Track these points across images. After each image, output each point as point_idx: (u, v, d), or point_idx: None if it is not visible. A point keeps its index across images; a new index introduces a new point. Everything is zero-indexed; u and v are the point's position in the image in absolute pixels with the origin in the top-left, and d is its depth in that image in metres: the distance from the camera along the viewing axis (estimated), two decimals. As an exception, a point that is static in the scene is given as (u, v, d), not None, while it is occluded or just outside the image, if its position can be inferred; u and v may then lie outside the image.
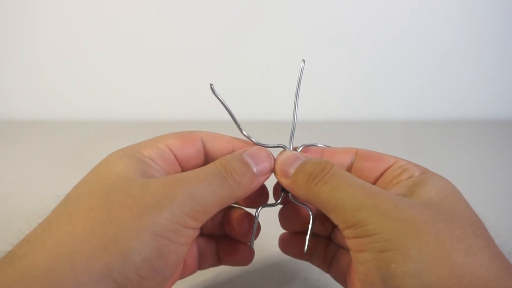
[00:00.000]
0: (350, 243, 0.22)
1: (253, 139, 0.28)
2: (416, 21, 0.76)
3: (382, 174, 0.27)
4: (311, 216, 0.28)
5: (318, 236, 0.31)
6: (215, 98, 0.28)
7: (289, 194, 0.28)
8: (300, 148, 0.28)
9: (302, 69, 0.29)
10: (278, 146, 0.28)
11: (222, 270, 0.39)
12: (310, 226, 0.28)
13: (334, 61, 0.79)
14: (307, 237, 0.27)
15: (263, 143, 0.28)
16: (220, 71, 0.78)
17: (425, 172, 0.26)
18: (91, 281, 0.18)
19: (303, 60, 0.29)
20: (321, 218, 0.30)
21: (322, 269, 0.31)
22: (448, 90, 0.82)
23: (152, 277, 0.20)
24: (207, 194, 0.22)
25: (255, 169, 0.25)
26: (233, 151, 0.27)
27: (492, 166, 0.63)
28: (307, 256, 0.31)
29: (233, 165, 0.24)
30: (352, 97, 0.82)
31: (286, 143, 0.29)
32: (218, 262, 0.31)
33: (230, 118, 0.28)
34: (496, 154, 0.67)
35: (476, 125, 0.79)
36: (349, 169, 0.28)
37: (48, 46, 0.76)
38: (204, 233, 0.31)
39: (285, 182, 0.26)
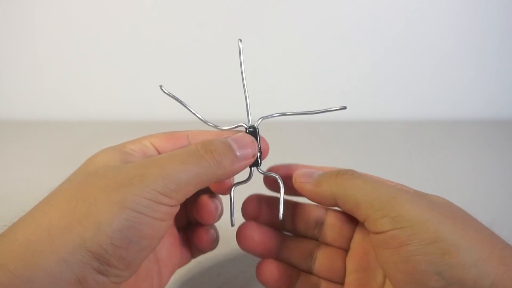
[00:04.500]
0: (388, 237, 0.21)
1: (221, 127, 0.29)
2: (416, 21, 0.76)
3: None
4: (281, 183, 0.28)
5: (298, 269, 0.30)
6: (171, 98, 0.29)
7: (258, 167, 0.29)
8: (259, 121, 0.29)
9: (240, 49, 0.30)
10: (237, 126, 0.29)
11: (222, 270, 0.39)
12: (281, 192, 0.28)
13: (334, 61, 0.79)
14: (280, 203, 0.28)
15: (223, 127, 0.29)
16: (220, 71, 0.78)
17: (417, 191, 0.26)
18: (67, 251, 0.20)
19: (240, 40, 0.30)
20: (300, 249, 0.30)
21: None
22: (448, 90, 0.82)
23: (126, 246, 0.21)
24: (180, 172, 0.23)
25: (238, 153, 0.25)
26: None
27: (492, 166, 0.63)
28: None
29: (215, 145, 0.25)
30: (352, 97, 0.82)
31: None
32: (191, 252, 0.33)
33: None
34: (496, 154, 0.67)
35: (476, 125, 0.79)
36: None
37: (48, 46, 0.76)
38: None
39: (307, 185, 0.26)
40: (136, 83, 0.79)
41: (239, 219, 0.30)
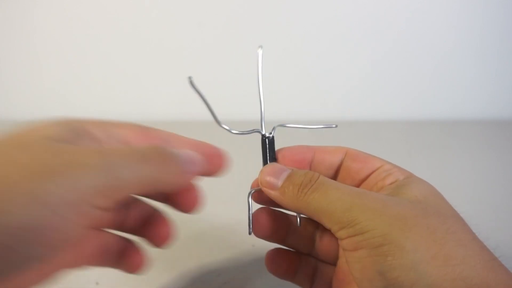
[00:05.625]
0: (344, 243, 0.23)
1: (233, 131, 0.29)
2: (416, 21, 0.76)
3: (368, 176, 0.27)
4: None
5: (300, 253, 0.31)
6: (195, 91, 0.28)
7: None
8: (274, 130, 0.29)
9: (260, 56, 0.30)
10: (253, 131, 0.29)
11: (222, 270, 0.39)
12: None
13: (334, 61, 0.79)
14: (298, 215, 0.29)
15: (240, 131, 0.29)
16: (220, 71, 0.78)
17: (409, 176, 0.26)
18: None
19: (260, 46, 0.30)
20: (303, 233, 0.30)
21: (304, 287, 0.31)
22: (448, 90, 0.82)
23: (13, 253, 0.17)
24: (125, 169, 0.20)
25: (184, 166, 0.24)
26: None
27: (492, 166, 0.63)
28: (291, 276, 0.30)
29: (165, 152, 0.23)
30: (352, 97, 0.82)
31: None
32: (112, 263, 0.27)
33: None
34: (496, 154, 0.67)
35: (476, 125, 0.79)
36: (338, 168, 0.29)
37: (48, 46, 0.76)
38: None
39: (273, 194, 0.26)
40: (136, 83, 0.79)
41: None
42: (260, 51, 0.30)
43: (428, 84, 0.81)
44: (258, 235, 0.29)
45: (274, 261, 0.30)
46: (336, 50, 0.78)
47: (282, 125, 0.30)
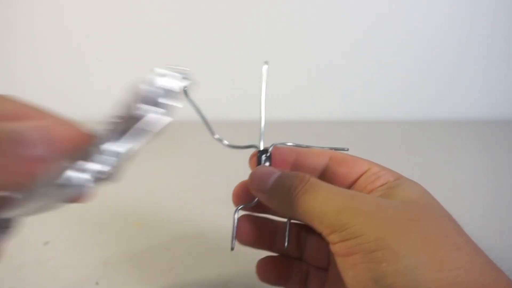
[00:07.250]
0: (336, 248, 0.22)
1: (225, 142, 0.28)
2: (416, 21, 0.76)
3: (355, 181, 0.27)
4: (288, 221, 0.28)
5: (292, 258, 0.30)
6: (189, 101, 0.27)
7: None
8: (271, 148, 0.28)
9: (265, 71, 0.29)
10: (249, 146, 0.28)
11: (222, 270, 0.39)
12: (287, 225, 0.27)
13: (333, 61, 0.79)
14: (287, 232, 0.27)
15: (234, 144, 0.28)
16: (221, 71, 0.78)
17: (399, 177, 0.26)
18: None
19: (266, 62, 0.29)
20: (292, 237, 0.29)
21: None
22: (448, 90, 0.82)
23: None
24: None
25: (25, 150, 0.19)
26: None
27: (492, 166, 0.63)
28: (284, 282, 0.29)
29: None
30: (352, 97, 0.82)
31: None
32: None
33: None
34: (496, 154, 0.67)
35: (476, 125, 0.79)
36: (323, 172, 0.28)
37: (48, 46, 0.76)
38: None
39: (262, 197, 0.26)
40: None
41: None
42: (265, 67, 0.29)
43: (428, 84, 0.81)
44: (243, 242, 0.29)
45: (266, 269, 0.29)
46: (335, 50, 0.78)
47: (283, 144, 0.29)
